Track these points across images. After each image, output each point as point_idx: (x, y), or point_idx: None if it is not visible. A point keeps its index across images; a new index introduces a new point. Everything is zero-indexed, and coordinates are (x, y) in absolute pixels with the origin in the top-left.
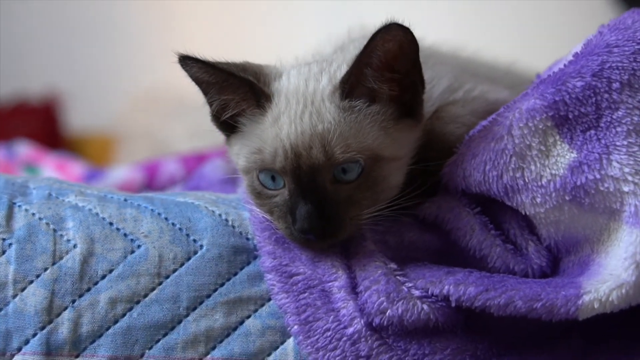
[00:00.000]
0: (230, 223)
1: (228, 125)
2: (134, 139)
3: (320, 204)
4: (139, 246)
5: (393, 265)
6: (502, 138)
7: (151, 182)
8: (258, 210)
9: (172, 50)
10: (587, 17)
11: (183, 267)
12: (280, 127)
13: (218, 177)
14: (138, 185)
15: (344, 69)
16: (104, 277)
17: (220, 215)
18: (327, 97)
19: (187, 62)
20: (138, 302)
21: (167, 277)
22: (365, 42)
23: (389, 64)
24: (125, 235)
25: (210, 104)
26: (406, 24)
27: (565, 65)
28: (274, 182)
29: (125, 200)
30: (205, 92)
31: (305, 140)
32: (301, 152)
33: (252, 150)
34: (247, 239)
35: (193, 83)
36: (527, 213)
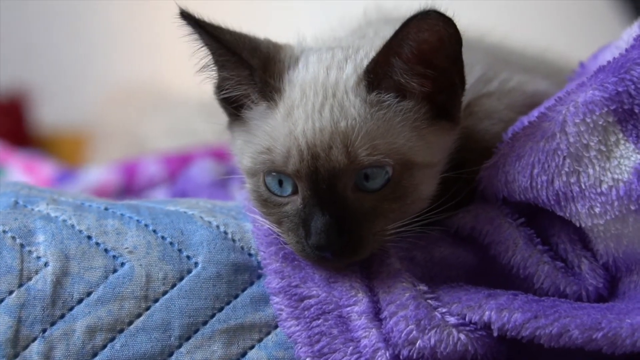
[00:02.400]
0: (229, 236)
1: (231, 104)
2: (109, 137)
3: (340, 216)
4: (122, 264)
5: (423, 287)
6: (554, 136)
7: (129, 184)
8: (263, 220)
9: (176, 2)
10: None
11: (175, 288)
12: (295, 122)
13: (207, 180)
14: (115, 188)
15: (371, 57)
16: (80, 301)
17: (218, 226)
18: (352, 88)
19: (186, 22)
20: (121, 330)
21: (156, 300)
22: (388, 26)
23: (423, 57)
24: (106, 251)
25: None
26: (449, 13)
27: (627, 50)
28: (284, 188)
29: (106, 209)
30: (212, 55)
31: (324, 138)
32: (319, 152)
33: (259, 149)
34: (250, 255)
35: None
36: (583, 225)
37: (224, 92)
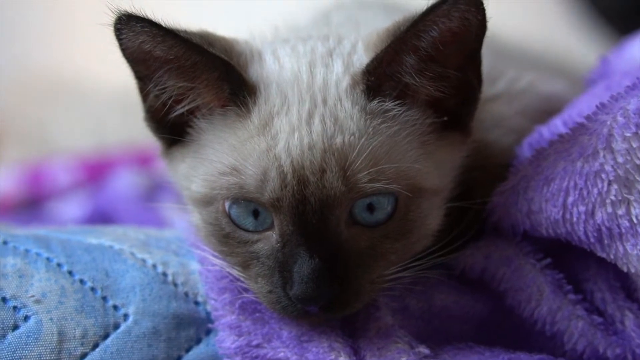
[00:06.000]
0: (170, 279)
1: (172, 127)
2: (10, 134)
3: (332, 259)
4: (26, 318)
5: (424, 349)
6: (596, 154)
7: (35, 193)
8: (217, 260)
9: (110, 7)
10: None
11: (97, 350)
12: (274, 136)
13: (133, 196)
14: (16, 200)
15: (361, 51)
16: None
17: (154, 266)
18: (346, 93)
19: (133, 25)
20: None
21: None
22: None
23: (440, 52)
24: (4, 300)
25: (147, 94)
26: None
27: None
28: (256, 220)
29: (5, 242)
30: (146, 76)
31: (315, 158)
32: (308, 176)
33: (219, 169)
34: (197, 303)
35: (125, 60)
36: (632, 270)
37: (181, 107)
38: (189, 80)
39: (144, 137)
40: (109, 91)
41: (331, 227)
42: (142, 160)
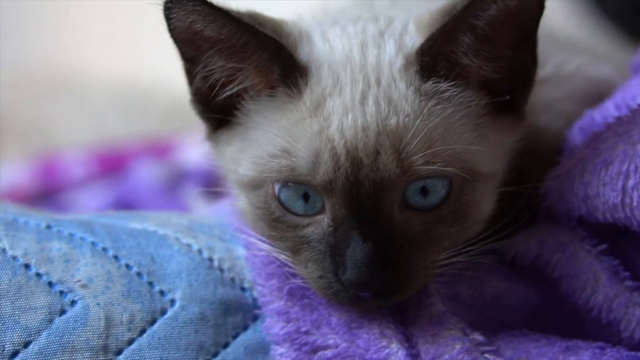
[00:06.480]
0: (216, 264)
1: (220, 109)
2: (11, 129)
3: (386, 243)
4: (73, 302)
5: (478, 336)
6: None
7: (48, 186)
8: (264, 245)
9: None
10: None
11: (144, 335)
12: (327, 117)
13: (154, 187)
14: (32, 191)
15: (412, 32)
16: (15, 354)
17: (200, 251)
18: (399, 74)
19: (185, 4)
20: None
21: (119, 352)
22: None
23: (497, 32)
24: (50, 284)
25: (194, 76)
26: None
27: None
28: (306, 204)
29: (49, 227)
30: (194, 57)
31: (369, 140)
32: (362, 158)
33: (270, 151)
34: (243, 289)
35: (173, 40)
36: None
37: (230, 88)
38: (238, 61)
39: (146, 130)
40: (109, 86)
41: (385, 210)
42: (157, 152)
